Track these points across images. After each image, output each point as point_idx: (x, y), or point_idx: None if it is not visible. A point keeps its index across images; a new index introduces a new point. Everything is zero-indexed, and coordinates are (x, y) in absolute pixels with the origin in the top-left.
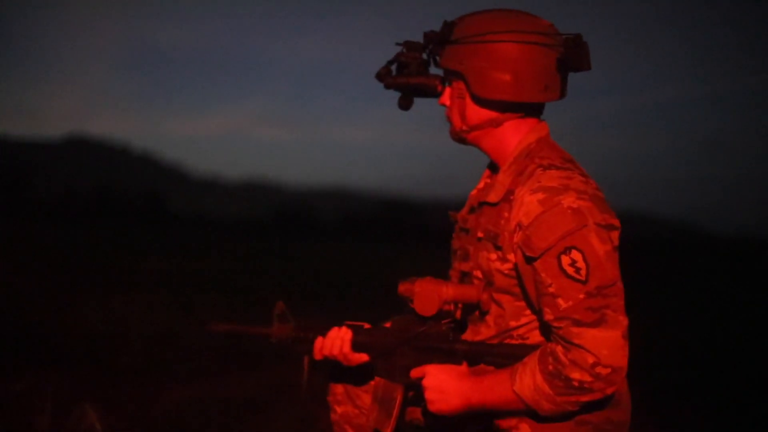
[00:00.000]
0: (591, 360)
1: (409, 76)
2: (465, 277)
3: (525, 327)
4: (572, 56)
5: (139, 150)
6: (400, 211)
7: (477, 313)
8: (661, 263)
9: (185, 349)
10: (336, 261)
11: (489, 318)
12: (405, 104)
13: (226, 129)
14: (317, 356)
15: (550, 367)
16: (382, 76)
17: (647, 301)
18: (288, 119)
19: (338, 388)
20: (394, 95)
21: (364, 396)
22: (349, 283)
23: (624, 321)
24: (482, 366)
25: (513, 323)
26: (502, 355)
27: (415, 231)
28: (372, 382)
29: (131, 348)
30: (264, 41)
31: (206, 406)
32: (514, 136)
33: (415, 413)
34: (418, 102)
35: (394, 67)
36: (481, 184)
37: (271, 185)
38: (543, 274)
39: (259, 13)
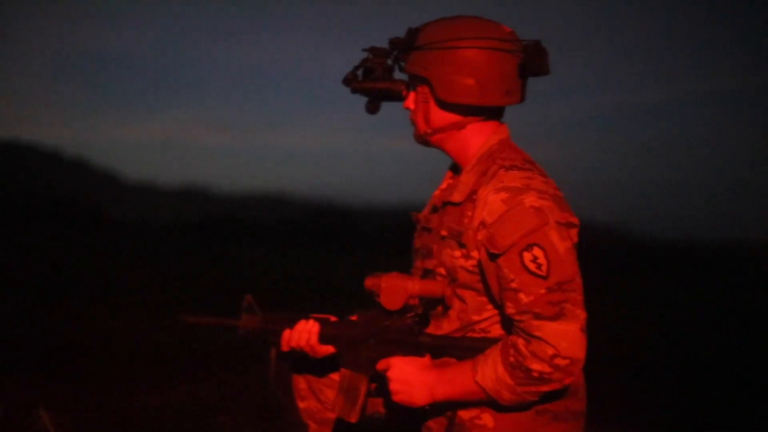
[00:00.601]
0: (551, 352)
1: (375, 81)
2: (428, 274)
3: (487, 321)
4: (532, 61)
5: (72, 155)
6: (335, 217)
7: (440, 308)
8: (597, 268)
9: (131, 353)
10: (272, 265)
11: (452, 312)
12: (372, 108)
13: (162, 134)
14: (284, 348)
15: (512, 359)
16: (349, 80)
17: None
18: (224, 125)
19: (301, 383)
20: (328, 101)
21: (328, 391)
22: (284, 288)
23: (582, 315)
24: (445, 359)
25: (475, 317)
26: (465, 348)
27: (350, 236)
28: (335, 377)
29: (82, 354)
30: (200, 46)
31: (156, 409)
32: (476, 138)
33: (377, 406)
34: (359, 109)
35: (360, 73)
36: (443, 185)
37: (208, 190)
38: (506, 270)
39: (195, 18)
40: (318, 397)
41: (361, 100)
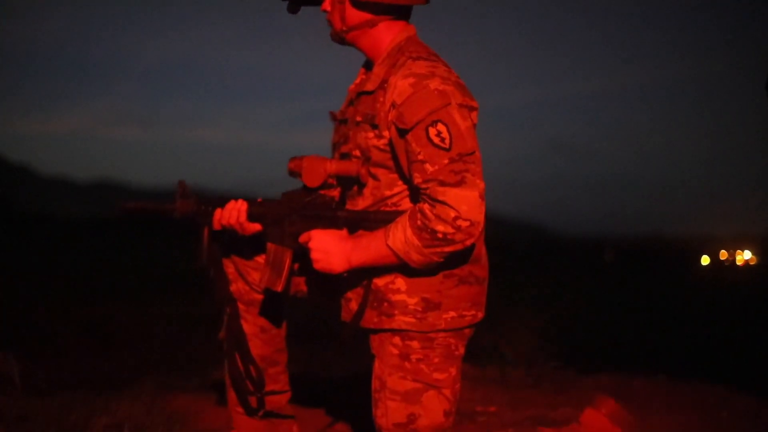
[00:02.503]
0: (453, 214)
1: None
2: (344, 157)
3: (397, 196)
4: None
5: None
6: None
7: (356, 187)
8: (509, 263)
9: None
10: (185, 259)
11: (366, 190)
12: (293, 10)
13: (75, 129)
14: (216, 226)
15: (419, 222)
16: None
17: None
18: (138, 119)
19: (230, 267)
20: (242, 97)
21: (254, 273)
22: (199, 278)
23: (481, 184)
24: (360, 231)
25: (387, 192)
26: (377, 221)
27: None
28: (260, 260)
29: None
30: (114, 40)
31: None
32: (387, 35)
33: (299, 285)
34: (271, 108)
35: None
36: (357, 80)
37: (122, 185)
38: (413, 144)
39: (107, 12)
40: (246, 279)
41: (277, 106)
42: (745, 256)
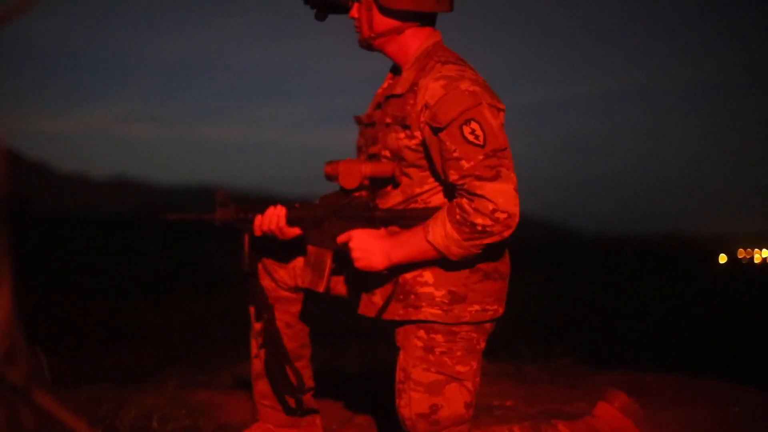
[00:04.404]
0: (491, 207)
1: None
2: (373, 158)
3: (427, 193)
4: None
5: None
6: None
7: (390, 187)
8: (531, 259)
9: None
10: (208, 256)
11: (397, 188)
12: (321, 17)
13: (93, 126)
14: (257, 232)
15: (458, 216)
16: None
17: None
18: (155, 117)
19: (258, 266)
20: (260, 95)
21: (281, 271)
22: (218, 277)
23: (514, 177)
24: (395, 228)
25: (417, 190)
26: (412, 218)
27: (299, 202)
28: (293, 261)
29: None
30: (130, 39)
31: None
32: (414, 41)
33: (337, 287)
34: (289, 106)
35: None
36: (385, 84)
37: (139, 182)
38: (448, 143)
39: (125, 10)
40: (273, 276)
41: (295, 104)
42: (763, 254)
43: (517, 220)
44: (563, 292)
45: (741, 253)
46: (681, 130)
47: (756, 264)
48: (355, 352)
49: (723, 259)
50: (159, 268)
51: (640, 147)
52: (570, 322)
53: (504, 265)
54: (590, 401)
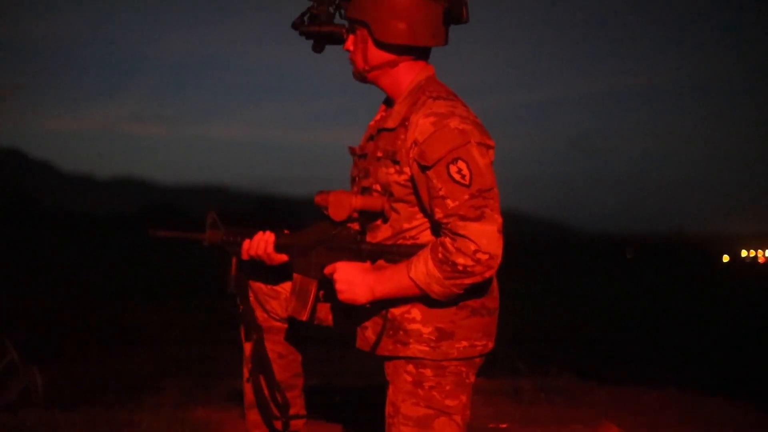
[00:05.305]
0: (473, 247)
1: (320, 25)
2: (365, 191)
3: (416, 229)
4: (454, 10)
5: (6, 146)
6: (273, 208)
7: (379, 221)
8: (533, 259)
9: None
10: (210, 256)
11: (386, 223)
12: (317, 49)
13: (97, 126)
14: (244, 256)
15: (440, 255)
16: (297, 25)
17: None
18: (159, 116)
19: (250, 296)
20: (263, 94)
21: (272, 302)
22: (221, 280)
23: (499, 219)
24: (381, 262)
25: (406, 225)
26: (398, 254)
27: (293, 227)
28: (278, 289)
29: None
30: (135, 38)
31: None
32: (407, 74)
33: (322, 316)
34: (293, 106)
35: (306, 18)
36: (377, 117)
37: (145, 182)
38: (435, 181)
39: (131, 8)
40: (264, 307)
41: (300, 103)
42: (766, 254)
43: (499, 261)
44: (564, 296)
45: (744, 253)
46: (685, 128)
47: (760, 263)
48: (352, 361)
49: (726, 258)
50: (162, 270)
51: (644, 146)
52: (569, 329)
53: (492, 300)
54: (586, 423)
